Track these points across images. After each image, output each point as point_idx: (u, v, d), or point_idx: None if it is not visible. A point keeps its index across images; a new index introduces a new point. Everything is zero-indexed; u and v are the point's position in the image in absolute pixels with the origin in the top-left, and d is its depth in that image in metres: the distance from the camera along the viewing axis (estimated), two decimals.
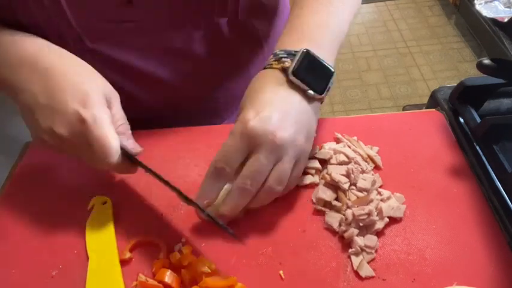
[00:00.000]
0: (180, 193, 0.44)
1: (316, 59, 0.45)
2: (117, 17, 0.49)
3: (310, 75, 0.44)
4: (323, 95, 0.45)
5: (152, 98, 0.48)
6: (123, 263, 0.45)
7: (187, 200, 0.44)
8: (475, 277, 0.42)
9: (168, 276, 0.43)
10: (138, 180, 0.53)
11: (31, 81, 0.42)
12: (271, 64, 0.46)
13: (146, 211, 0.51)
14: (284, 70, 0.44)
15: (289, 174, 0.44)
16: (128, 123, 0.46)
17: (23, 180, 0.56)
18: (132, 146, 0.45)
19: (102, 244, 0.47)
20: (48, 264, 0.46)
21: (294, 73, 0.43)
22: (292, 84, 0.44)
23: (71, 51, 0.46)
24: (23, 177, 0.56)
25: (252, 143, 0.42)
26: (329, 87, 0.46)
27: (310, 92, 0.44)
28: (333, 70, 0.46)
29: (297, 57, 0.44)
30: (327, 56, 0.46)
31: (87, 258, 0.46)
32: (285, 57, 0.45)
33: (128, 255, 0.46)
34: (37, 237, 0.49)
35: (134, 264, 0.46)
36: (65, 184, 0.54)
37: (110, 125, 0.42)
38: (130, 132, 0.46)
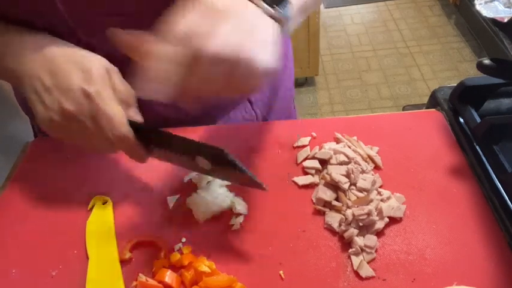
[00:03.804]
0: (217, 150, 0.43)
1: None
2: (110, 9, 0.49)
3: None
4: (275, 12, 0.42)
5: None
6: (123, 263, 0.45)
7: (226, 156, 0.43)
8: (475, 277, 0.42)
9: (168, 276, 0.43)
10: (138, 180, 0.53)
11: (36, 66, 0.45)
12: None
13: (146, 211, 0.51)
14: None
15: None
16: (132, 90, 0.47)
17: (23, 180, 0.56)
18: (132, 114, 0.47)
19: (102, 244, 0.47)
20: (48, 264, 0.46)
21: None
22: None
23: None
24: (23, 177, 0.56)
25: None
26: (287, 7, 0.43)
27: (263, 3, 0.41)
28: None
29: None
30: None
31: (87, 258, 0.46)
32: None
33: (128, 255, 0.46)
34: (37, 237, 0.49)
35: (134, 264, 0.46)
36: (65, 184, 0.54)
37: (113, 97, 0.45)
38: (134, 99, 0.48)
